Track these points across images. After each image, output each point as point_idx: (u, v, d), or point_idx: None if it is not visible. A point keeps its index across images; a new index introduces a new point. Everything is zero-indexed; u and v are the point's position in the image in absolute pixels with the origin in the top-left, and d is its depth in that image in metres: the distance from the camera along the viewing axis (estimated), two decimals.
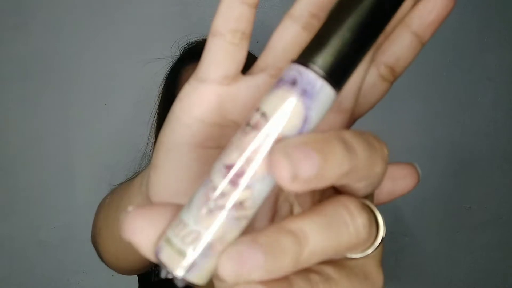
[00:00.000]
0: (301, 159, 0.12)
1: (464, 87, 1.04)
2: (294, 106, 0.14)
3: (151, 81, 0.88)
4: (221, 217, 0.14)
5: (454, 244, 1.09)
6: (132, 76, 0.96)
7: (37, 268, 0.99)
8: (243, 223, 0.14)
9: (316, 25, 0.18)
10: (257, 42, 0.45)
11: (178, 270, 0.14)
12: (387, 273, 0.19)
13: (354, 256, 0.17)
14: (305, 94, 0.14)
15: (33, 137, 0.96)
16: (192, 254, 0.14)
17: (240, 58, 0.18)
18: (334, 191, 0.19)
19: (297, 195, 0.20)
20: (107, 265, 0.44)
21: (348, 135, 0.14)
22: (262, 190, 0.14)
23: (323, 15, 0.17)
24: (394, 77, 0.21)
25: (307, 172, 0.12)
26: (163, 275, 0.14)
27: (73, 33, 0.94)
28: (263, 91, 0.19)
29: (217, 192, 0.14)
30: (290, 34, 0.18)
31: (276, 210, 0.19)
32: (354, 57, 0.15)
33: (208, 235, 0.14)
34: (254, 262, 0.13)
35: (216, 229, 0.14)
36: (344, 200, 0.15)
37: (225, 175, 0.14)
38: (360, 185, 0.16)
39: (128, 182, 0.35)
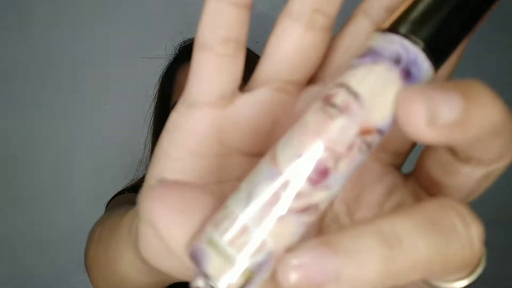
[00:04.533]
0: (441, 99, 0.10)
1: None
2: (396, 91, 0.11)
3: (148, 81, 0.88)
4: (294, 223, 0.10)
5: None
6: (130, 76, 0.95)
7: (37, 268, 0.99)
8: (308, 229, 0.11)
9: (322, 21, 0.14)
10: (257, 42, 0.44)
11: (223, 281, 0.10)
12: None
13: (449, 286, 0.13)
14: (409, 77, 0.11)
15: (33, 137, 0.96)
16: (246, 262, 0.10)
17: (236, 72, 0.15)
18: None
19: (355, 204, 0.15)
20: None
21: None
22: (337, 191, 0.11)
23: (328, 10, 0.14)
24: None
25: (448, 115, 0.10)
26: (198, 284, 0.11)
27: (73, 33, 0.94)
28: (267, 108, 0.15)
29: (292, 192, 0.10)
30: (291, 38, 0.14)
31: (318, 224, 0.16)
32: (461, 33, 0.12)
33: (272, 243, 0.10)
34: (328, 271, 0.09)
35: (284, 237, 0.10)
36: (452, 203, 0.11)
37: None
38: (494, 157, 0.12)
39: (118, 215, 0.29)
